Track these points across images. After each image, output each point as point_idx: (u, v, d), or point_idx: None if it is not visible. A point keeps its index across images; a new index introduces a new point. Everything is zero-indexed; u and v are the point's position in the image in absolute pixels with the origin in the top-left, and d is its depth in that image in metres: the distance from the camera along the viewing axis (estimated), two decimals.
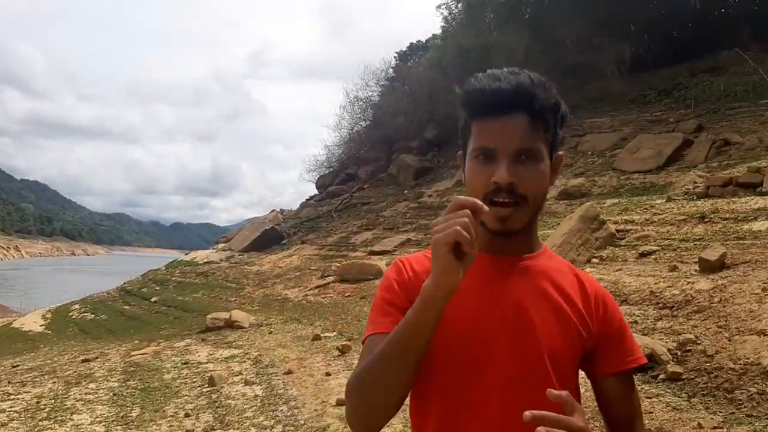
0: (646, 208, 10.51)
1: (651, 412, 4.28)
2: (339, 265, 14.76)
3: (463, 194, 1.21)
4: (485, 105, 1.17)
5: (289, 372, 7.11)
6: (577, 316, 1.23)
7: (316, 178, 33.99)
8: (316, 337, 8.83)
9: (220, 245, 27.15)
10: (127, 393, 6.88)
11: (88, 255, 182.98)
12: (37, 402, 6.55)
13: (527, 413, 0.98)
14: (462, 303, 1.17)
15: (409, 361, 1.09)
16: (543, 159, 1.19)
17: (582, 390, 1.34)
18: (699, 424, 3.99)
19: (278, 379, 6.90)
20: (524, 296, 1.21)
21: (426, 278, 1.17)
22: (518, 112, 1.15)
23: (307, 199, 31.93)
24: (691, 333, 5.41)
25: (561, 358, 1.20)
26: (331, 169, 33.66)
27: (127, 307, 17.94)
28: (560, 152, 1.27)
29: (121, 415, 6.05)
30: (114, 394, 6.84)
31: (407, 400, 1.23)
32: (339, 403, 5.70)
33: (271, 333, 10.04)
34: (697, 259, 7.03)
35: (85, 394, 6.88)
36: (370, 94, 32.68)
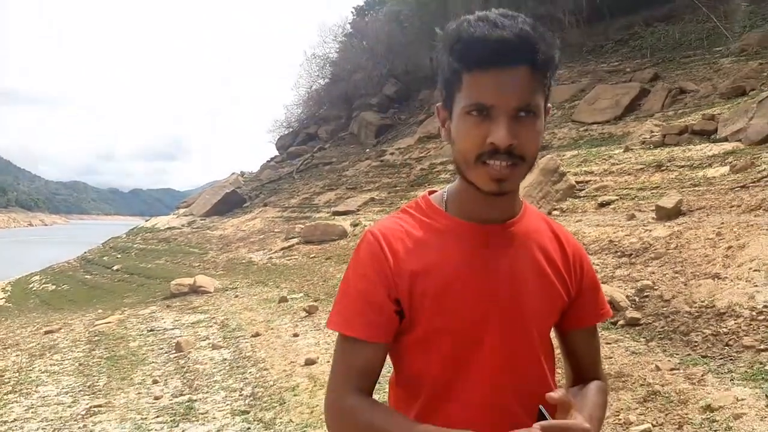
0: (604, 159, 10.66)
1: (611, 357, 4.40)
2: (303, 226, 14.72)
3: (452, 152, 1.15)
4: (485, 56, 1.03)
5: (257, 334, 7.12)
6: (560, 282, 1.22)
7: (276, 139, 33.63)
8: (283, 299, 8.84)
9: (181, 210, 26.84)
10: (93, 363, 6.83)
11: (46, 225, 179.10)
12: (1, 376, 6.46)
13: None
14: (456, 278, 1.14)
15: None
16: (541, 115, 1.10)
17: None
18: (657, 366, 4.12)
19: (246, 342, 6.91)
20: (513, 268, 1.17)
21: (412, 260, 1.14)
22: (520, 64, 1.03)
23: (267, 161, 31.61)
24: (648, 279, 5.55)
25: (545, 325, 1.21)
26: (291, 130, 33.31)
27: (89, 276, 17.72)
28: (549, 105, 1.17)
29: (88, 384, 6.01)
30: (80, 365, 6.78)
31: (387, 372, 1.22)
32: (308, 363, 5.75)
33: (236, 297, 10.01)
34: (654, 207, 7.18)
35: (50, 365, 6.80)
36: (328, 51, 32.26)
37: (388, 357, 1.21)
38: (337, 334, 1.18)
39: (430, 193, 1.27)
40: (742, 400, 3.45)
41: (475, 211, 1.17)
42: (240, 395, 5.21)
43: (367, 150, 22.84)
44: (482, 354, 1.15)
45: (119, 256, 20.04)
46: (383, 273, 1.14)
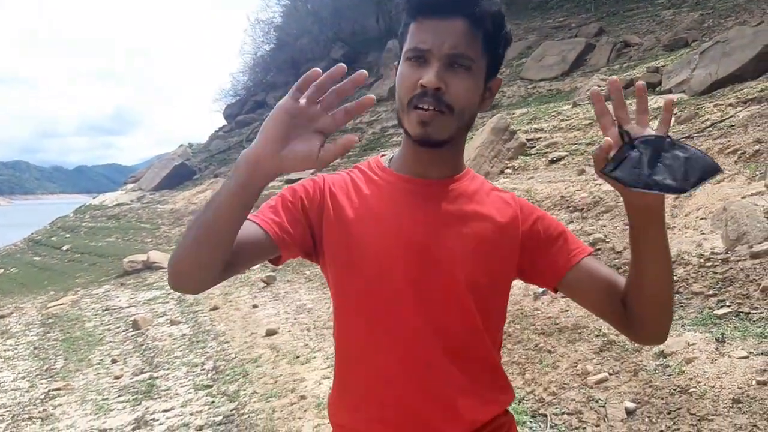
0: (553, 116, 10.76)
1: (567, 310, 4.50)
2: None
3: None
4: (427, 4, 1.10)
5: (215, 308, 7.06)
6: (499, 235, 1.20)
7: (224, 108, 32.99)
8: None
9: (130, 186, 26.25)
10: (49, 345, 6.69)
11: None
12: None
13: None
14: (383, 227, 1.16)
15: (221, 225, 0.99)
16: (476, 72, 1.12)
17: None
18: None
19: (204, 316, 6.85)
20: (440, 217, 1.18)
21: (342, 197, 1.20)
22: (457, 15, 1.09)
23: (216, 131, 30.99)
24: (600, 232, 5.67)
25: (481, 282, 1.17)
26: (239, 98, 32.71)
27: (37, 258, 17.25)
28: (498, 77, 1.20)
29: (45, 368, 5.89)
30: (35, 348, 6.64)
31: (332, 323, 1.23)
32: (269, 334, 5.73)
33: None
34: None
35: (4, 351, 6.64)
36: (272, 15, 31.66)
37: None
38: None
39: (383, 155, 1.32)
40: (693, 344, 3.58)
41: (413, 167, 1.22)
42: (202, 370, 5.18)
43: None
44: (400, 297, 1.15)
45: (68, 235, 19.53)
46: (311, 194, 1.20)
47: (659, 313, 1.16)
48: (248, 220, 1.11)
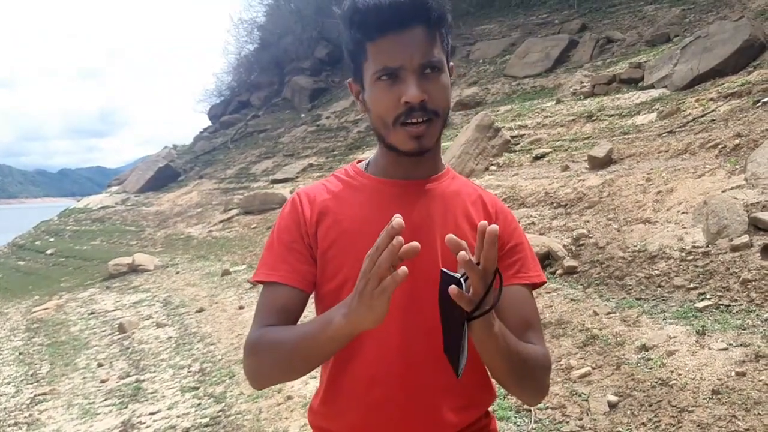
0: (537, 112, 10.81)
1: (551, 306, 4.54)
2: (241, 197, 14.53)
3: (370, 121, 1.20)
4: (383, 23, 1.09)
5: (201, 310, 7.04)
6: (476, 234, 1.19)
7: (208, 108, 32.82)
8: (226, 272, 8.74)
9: (114, 188, 26.04)
10: (34, 351, 6.66)
11: None
12: None
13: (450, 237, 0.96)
14: (368, 231, 1.13)
15: (315, 364, 1.13)
16: (445, 70, 1.15)
17: None
18: (594, 311, 4.27)
19: (191, 318, 6.83)
20: (425, 218, 1.20)
21: (326, 213, 1.20)
22: (416, 24, 1.10)
23: (200, 132, 30.80)
24: (584, 228, 5.70)
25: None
26: (223, 98, 32.55)
27: (21, 262, 17.11)
28: (451, 63, 1.22)
29: (30, 373, 5.86)
30: (20, 354, 6.60)
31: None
32: None
33: (178, 273, 9.86)
34: (586, 158, 7.35)
35: None
36: (255, 15, 31.51)
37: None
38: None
39: (360, 161, 1.33)
40: (675, 337, 3.62)
41: (394, 171, 1.24)
42: (188, 372, 5.17)
43: (302, 115, 22.53)
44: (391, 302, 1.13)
45: (52, 239, 19.37)
46: (300, 225, 1.22)
47: (515, 391, 1.22)
48: (277, 285, 1.20)
